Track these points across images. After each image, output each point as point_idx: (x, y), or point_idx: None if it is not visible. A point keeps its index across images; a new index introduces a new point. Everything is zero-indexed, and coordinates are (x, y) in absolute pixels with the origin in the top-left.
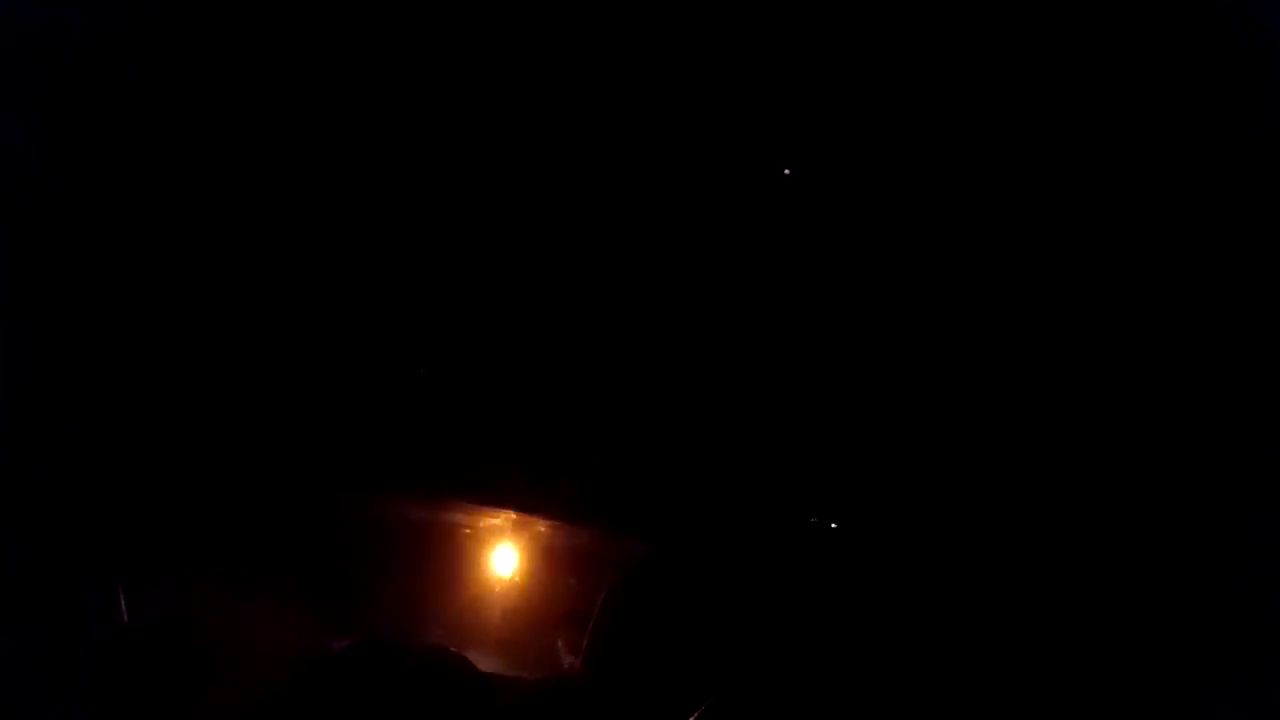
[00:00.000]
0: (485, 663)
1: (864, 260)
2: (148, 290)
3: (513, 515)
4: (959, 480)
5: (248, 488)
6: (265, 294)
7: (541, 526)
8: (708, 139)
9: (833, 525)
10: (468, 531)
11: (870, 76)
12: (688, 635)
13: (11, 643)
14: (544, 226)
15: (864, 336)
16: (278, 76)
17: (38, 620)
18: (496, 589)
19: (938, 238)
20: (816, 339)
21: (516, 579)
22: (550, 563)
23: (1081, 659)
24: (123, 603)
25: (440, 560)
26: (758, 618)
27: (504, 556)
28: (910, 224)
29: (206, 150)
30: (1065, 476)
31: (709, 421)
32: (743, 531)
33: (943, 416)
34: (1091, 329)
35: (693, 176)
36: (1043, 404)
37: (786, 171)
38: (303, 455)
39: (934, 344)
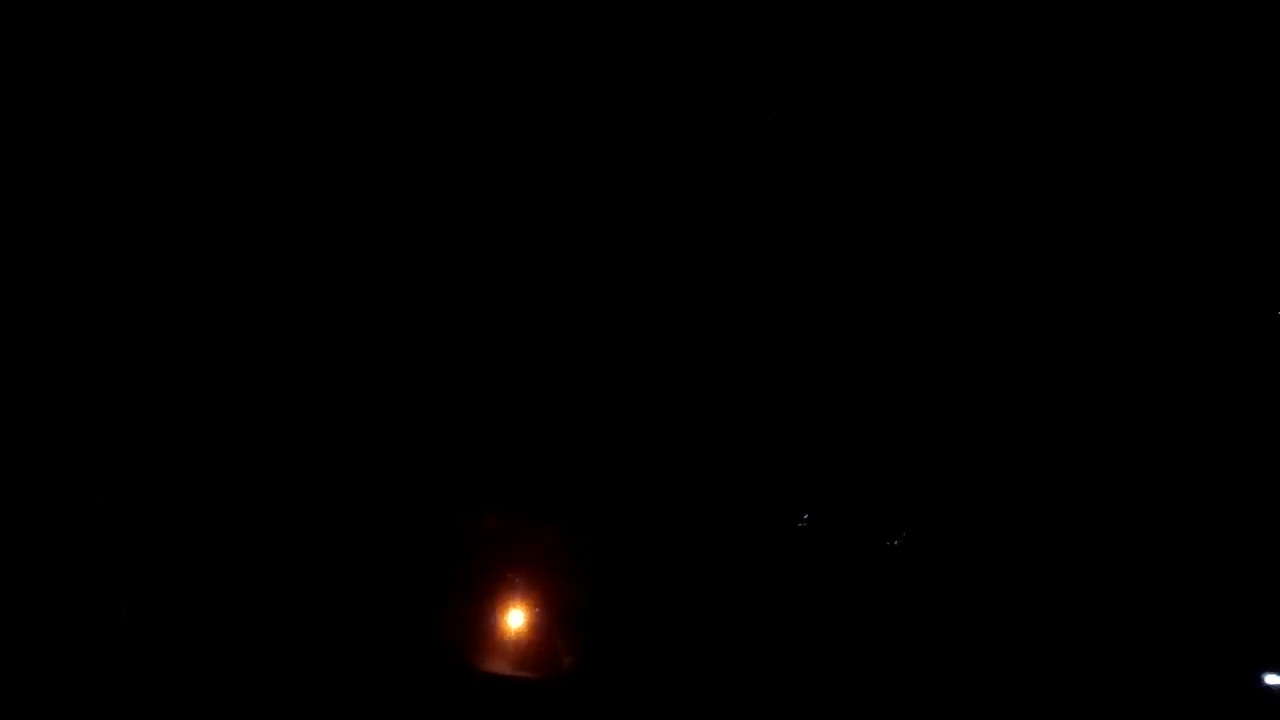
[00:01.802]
0: (487, 663)
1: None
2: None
3: (513, 518)
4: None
5: (245, 491)
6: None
7: (541, 527)
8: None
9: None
10: (467, 533)
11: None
12: (682, 632)
13: (13, 641)
14: (545, 228)
15: (859, 337)
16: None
17: (40, 620)
18: (496, 590)
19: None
20: (807, 344)
21: (517, 581)
22: (550, 565)
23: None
24: (123, 602)
25: (442, 563)
26: (751, 614)
27: (504, 559)
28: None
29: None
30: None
31: (703, 426)
32: (735, 532)
33: (933, 415)
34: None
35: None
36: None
37: (775, 112)
38: (307, 459)
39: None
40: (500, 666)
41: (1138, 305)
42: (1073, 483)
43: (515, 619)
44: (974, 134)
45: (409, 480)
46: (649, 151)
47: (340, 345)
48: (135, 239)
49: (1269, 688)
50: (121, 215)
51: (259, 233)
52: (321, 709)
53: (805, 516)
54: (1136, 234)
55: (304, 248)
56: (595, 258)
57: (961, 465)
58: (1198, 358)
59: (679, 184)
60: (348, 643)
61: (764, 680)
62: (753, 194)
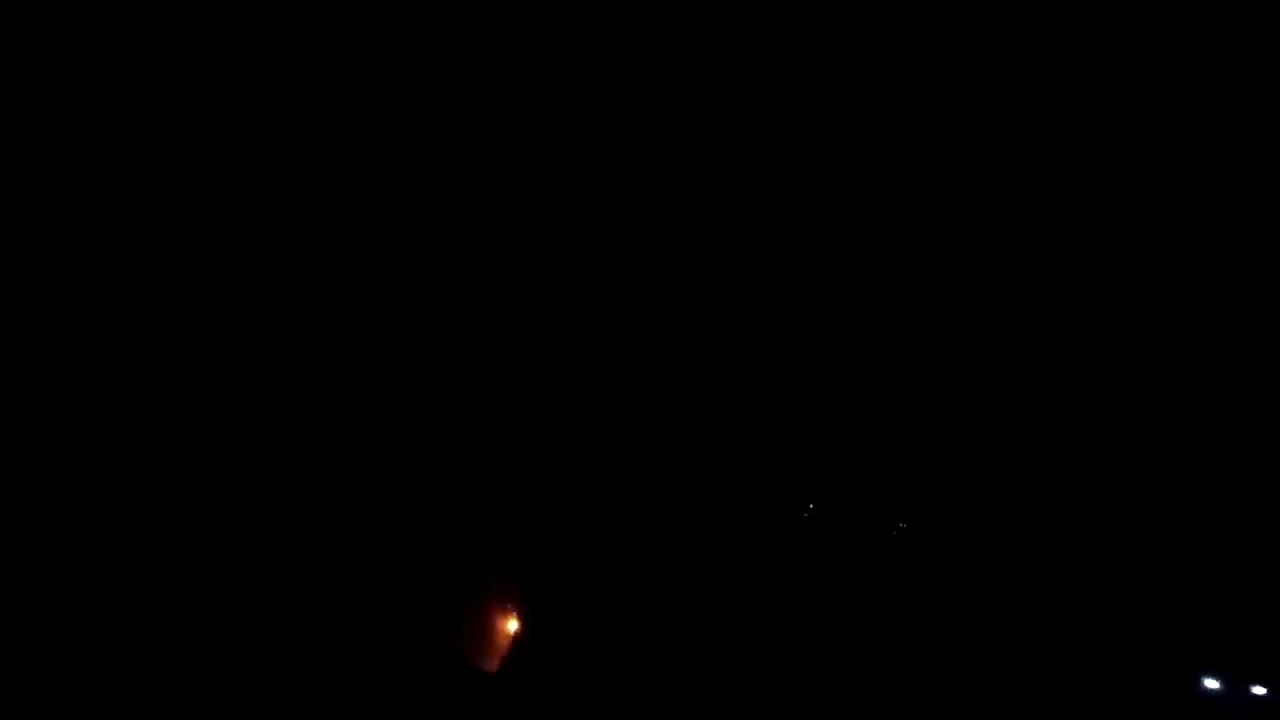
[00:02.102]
0: (486, 663)
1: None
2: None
3: (511, 519)
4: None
5: (245, 492)
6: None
7: (539, 529)
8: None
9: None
10: (468, 535)
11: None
12: (683, 631)
13: (15, 641)
14: (549, 230)
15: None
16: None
17: (44, 619)
18: (495, 592)
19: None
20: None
21: (514, 582)
22: (546, 567)
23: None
24: (124, 602)
25: (441, 563)
26: (753, 611)
27: (502, 560)
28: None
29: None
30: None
31: (702, 425)
32: (736, 529)
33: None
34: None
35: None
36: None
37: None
38: (305, 458)
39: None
40: (499, 666)
41: (1131, 303)
42: (1068, 475)
43: (513, 619)
44: (973, 133)
45: (408, 482)
46: (650, 149)
47: (339, 349)
48: (134, 238)
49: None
50: (121, 215)
51: (260, 234)
52: (322, 709)
53: (810, 507)
54: (1132, 233)
55: (304, 249)
56: (595, 258)
57: (960, 458)
58: (1190, 359)
59: (678, 183)
60: (347, 642)
61: (766, 676)
62: (753, 190)
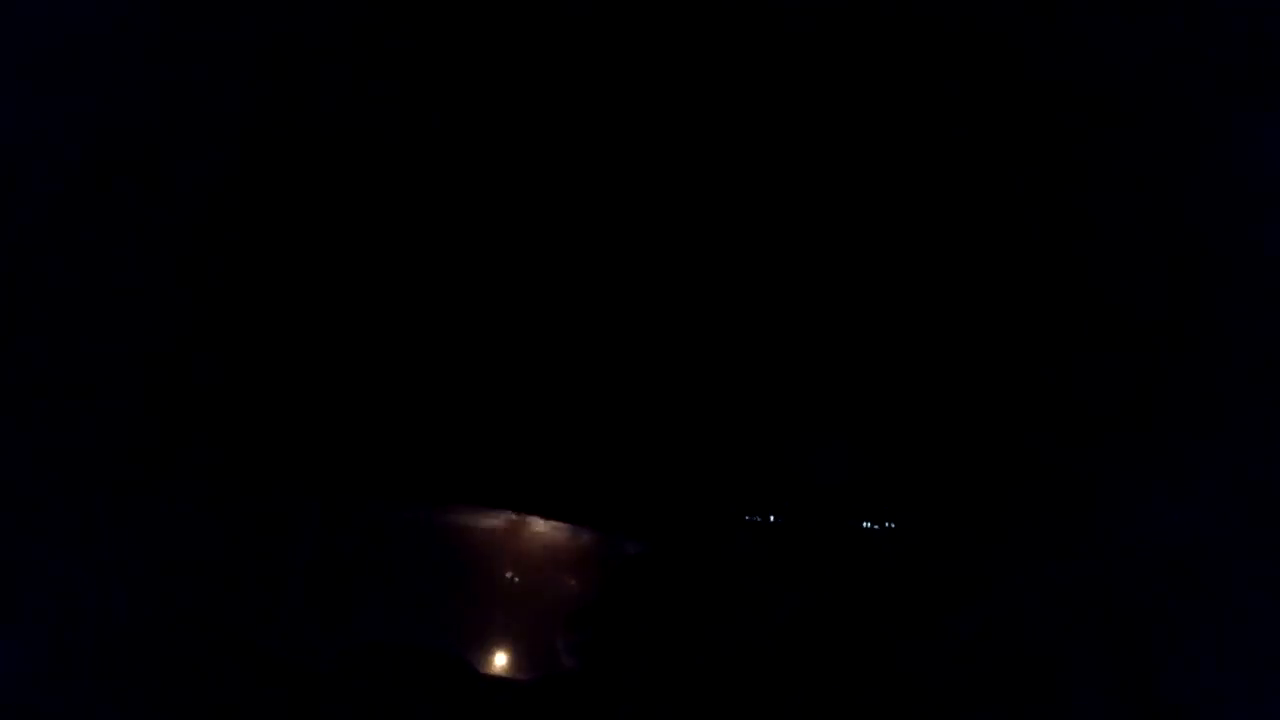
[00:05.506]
0: (484, 663)
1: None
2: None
3: (512, 515)
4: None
5: (250, 490)
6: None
7: (540, 526)
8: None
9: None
10: (467, 532)
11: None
12: (683, 632)
13: (11, 643)
14: (541, 230)
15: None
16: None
17: (39, 620)
18: (496, 590)
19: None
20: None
21: (516, 580)
22: (549, 563)
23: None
24: (125, 602)
25: (440, 561)
26: (749, 613)
27: (503, 557)
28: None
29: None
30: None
31: (700, 423)
32: (733, 529)
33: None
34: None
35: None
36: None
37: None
38: (304, 458)
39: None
40: (500, 667)
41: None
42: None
43: (514, 620)
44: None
45: (408, 479)
46: (649, 150)
47: (338, 342)
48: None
49: None
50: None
51: (254, 228)
52: (320, 709)
53: (807, 511)
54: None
55: (301, 243)
56: (593, 256)
57: (951, 458)
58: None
59: (672, 182)
60: (347, 643)
61: (765, 678)
62: (737, 190)
